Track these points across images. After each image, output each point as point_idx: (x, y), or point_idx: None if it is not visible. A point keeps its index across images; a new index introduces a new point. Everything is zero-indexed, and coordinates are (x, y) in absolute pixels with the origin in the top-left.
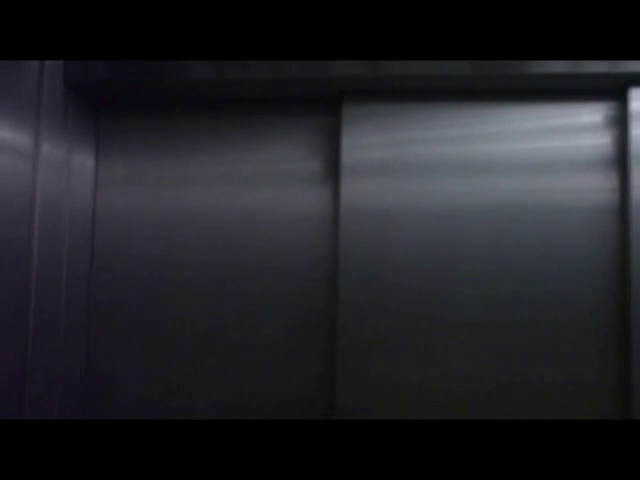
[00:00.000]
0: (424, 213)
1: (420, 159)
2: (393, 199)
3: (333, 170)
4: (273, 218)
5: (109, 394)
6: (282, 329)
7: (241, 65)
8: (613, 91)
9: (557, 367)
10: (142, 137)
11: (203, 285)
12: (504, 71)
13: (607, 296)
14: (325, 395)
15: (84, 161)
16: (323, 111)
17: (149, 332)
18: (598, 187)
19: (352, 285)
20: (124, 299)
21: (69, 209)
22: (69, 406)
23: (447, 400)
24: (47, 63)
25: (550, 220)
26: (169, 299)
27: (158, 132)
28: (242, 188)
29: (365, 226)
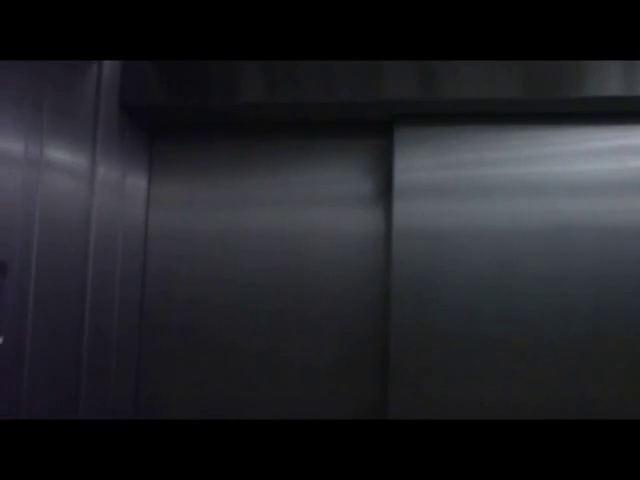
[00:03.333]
0: (476, 234)
1: (471, 181)
2: (445, 220)
3: (386, 192)
4: (326, 240)
5: (160, 414)
6: (334, 350)
7: (294, 89)
8: None
9: (612, 386)
10: (194, 159)
11: (255, 306)
12: (555, 95)
13: None
14: (377, 416)
15: (138, 183)
16: (376, 134)
17: (201, 353)
18: None
19: (404, 306)
20: (176, 320)
21: (123, 230)
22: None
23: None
24: (103, 87)
25: (603, 241)
26: (221, 320)
27: (210, 154)
28: (295, 210)
29: (417, 247)
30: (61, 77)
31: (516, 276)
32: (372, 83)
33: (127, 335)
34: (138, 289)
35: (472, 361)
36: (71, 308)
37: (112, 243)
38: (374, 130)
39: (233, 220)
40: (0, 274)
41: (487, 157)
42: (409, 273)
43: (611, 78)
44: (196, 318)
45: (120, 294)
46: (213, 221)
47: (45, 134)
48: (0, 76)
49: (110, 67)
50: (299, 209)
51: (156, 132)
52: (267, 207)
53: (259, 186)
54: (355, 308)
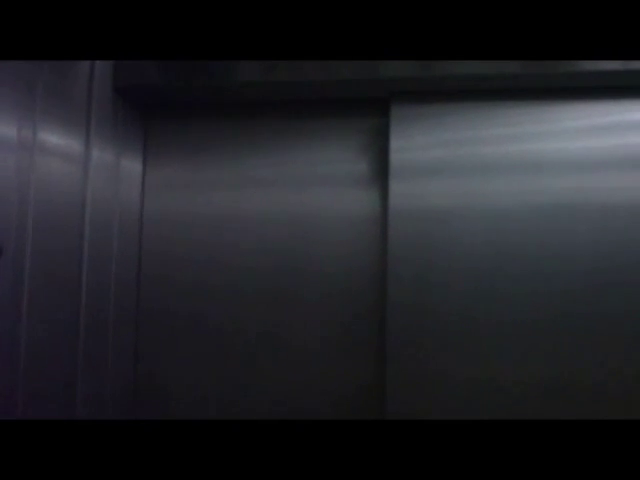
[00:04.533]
0: (473, 214)
1: (469, 159)
2: (442, 200)
3: (382, 171)
4: (321, 220)
5: (159, 397)
6: (331, 331)
7: (289, 67)
8: None
9: (610, 366)
10: (190, 141)
11: (251, 288)
12: (553, 69)
13: None
14: (375, 397)
15: (132, 165)
16: (372, 112)
17: (197, 336)
18: None
19: (401, 286)
20: (172, 302)
21: (118, 213)
22: (119, 409)
23: (498, 401)
24: (96, 69)
25: (603, 219)
26: (217, 302)
27: (206, 136)
28: (290, 190)
29: (414, 227)
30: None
31: (514, 255)
32: (368, 61)
33: (124, 318)
34: (134, 272)
35: (470, 341)
36: (67, 291)
37: (107, 226)
38: (370, 108)
39: (228, 201)
40: None
41: (484, 135)
42: (405, 254)
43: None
44: (193, 301)
45: (116, 277)
46: (209, 203)
47: (38, 117)
48: None
49: None
50: (295, 190)
51: (151, 113)
52: (263, 188)
53: (254, 167)
54: (352, 289)
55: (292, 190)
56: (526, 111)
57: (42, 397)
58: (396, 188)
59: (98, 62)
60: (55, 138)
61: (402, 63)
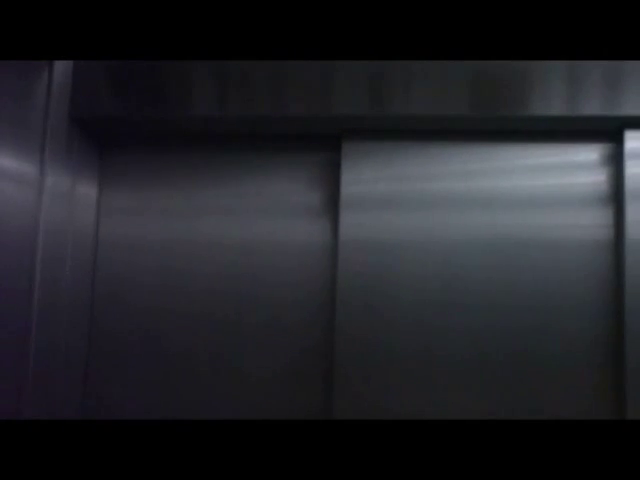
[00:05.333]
0: (421, 246)
1: (417, 194)
2: (391, 232)
3: (333, 204)
4: (274, 250)
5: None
6: (280, 359)
7: (243, 102)
8: (609, 133)
9: (554, 401)
10: (145, 169)
11: (203, 315)
12: (502, 113)
13: (602, 330)
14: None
15: (87, 192)
16: (323, 147)
17: (149, 361)
18: (593, 223)
19: (350, 316)
20: (125, 327)
21: (72, 238)
22: None
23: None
24: (53, 97)
25: (547, 255)
26: (170, 328)
27: (160, 165)
28: (243, 220)
29: (363, 258)
30: (10, 85)
31: (460, 289)
32: (321, 98)
33: (76, 342)
34: (88, 298)
35: (416, 372)
36: (19, 314)
37: (61, 251)
38: (323, 144)
39: (182, 230)
40: None
41: (432, 171)
42: (354, 283)
43: (556, 98)
44: (146, 325)
45: (69, 303)
46: (163, 231)
47: None
48: None
49: (61, 76)
50: (248, 220)
51: (107, 143)
52: (217, 217)
53: (209, 197)
54: (302, 316)
55: (245, 219)
56: (473, 151)
57: None
58: (346, 219)
59: (55, 89)
60: (9, 163)
61: (354, 101)
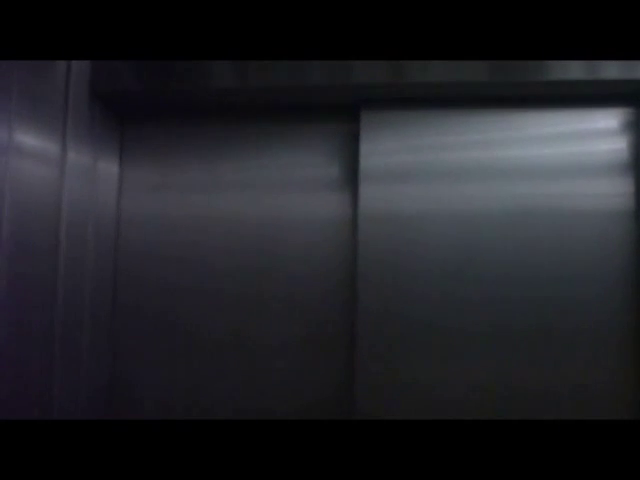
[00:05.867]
0: (441, 218)
1: (437, 165)
2: (410, 204)
3: (352, 176)
4: (293, 223)
5: (132, 396)
6: (300, 333)
7: (262, 73)
8: (629, 97)
9: (570, 373)
10: (165, 144)
11: (224, 290)
12: (520, 78)
13: (621, 301)
14: (343, 400)
15: (109, 168)
16: (342, 118)
17: (172, 336)
18: (613, 192)
19: (370, 289)
20: (147, 304)
21: (94, 215)
22: (94, 408)
23: (462, 405)
24: (73, 73)
25: (566, 225)
26: (191, 303)
27: (181, 139)
28: (263, 194)
29: (383, 231)
30: (30, 62)
31: (482, 260)
32: (339, 67)
33: (99, 318)
34: (110, 273)
35: (436, 344)
36: (43, 292)
37: (84, 228)
38: (341, 114)
39: (203, 204)
40: None
41: (452, 141)
42: (375, 256)
43: (576, 62)
44: (168, 301)
45: (92, 279)
46: (184, 205)
47: (14, 120)
48: None
49: None
50: (267, 193)
51: (127, 117)
52: (236, 191)
53: (229, 170)
54: (322, 291)
55: (264, 193)
56: (493, 119)
57: (18, 399)
58: (366, 192)
59: (75, 66)
60: (31, 140)
61: (373, 70)
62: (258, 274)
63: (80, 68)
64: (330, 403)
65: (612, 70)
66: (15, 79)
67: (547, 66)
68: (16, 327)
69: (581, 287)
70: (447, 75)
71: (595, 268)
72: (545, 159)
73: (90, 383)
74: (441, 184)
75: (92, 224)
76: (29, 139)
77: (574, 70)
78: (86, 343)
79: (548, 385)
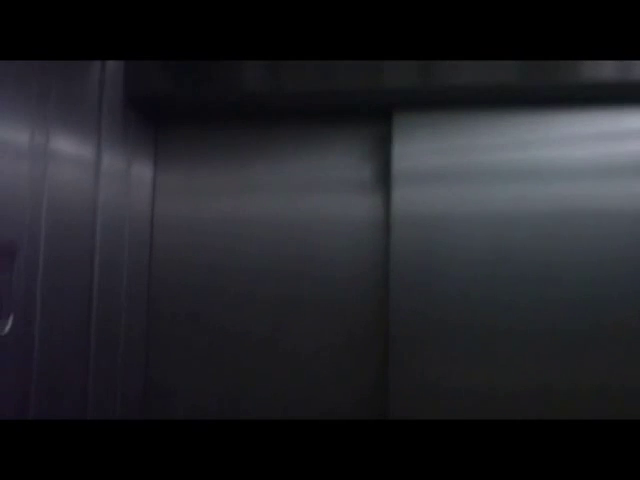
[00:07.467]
0: (474, 220)
1: (470, 167)
2: (443, 206)
3: (384, 178)
4: (325, 226)
5: (167, 399)
6: (333, 337)
7: (295, 76)
8: None
9: (607, 372)
10: (199, 148)
11: (258, 293)
12: (553, 80)
13: None
14: (377, 402)
15: (143, 172)
16: (375, 120)
17: (206, 339)
18: None
19: (402, 291)
20: (182, 307)
21: (129, 219)
22: (130, 409)
23: (496, 407)
24: (107, 77)
25: (601, 226)
26: (225, 307)
27: (215, 143)
28: (296, 197)
29: (415, 233)
30: (66, 67)
31: (515, 262)
32: (371, 70)
33: (135, 324)
34: (145, 278)
35: (470, 347)
36: (79, 296)
37: (119, 232)
38: (373, 117)
39: (237, 207)
40: (11, 259)
41: (485, 143)
42: (407, 259)
43: (608, 63)
44: (202, 305)
45: (127, 282)
46: (218, 209)
47: (50, 124)
48: (5, 66)
49: None
50: (301, 196)
51: (161, 121)
52: (269, 194)
53: (261, 174)
54: (355, 293)
55: (297, 196)
56: (526, 120)
57: (55, 402)
58: (398, 195)
59: (109, 71)
60: (67, 145)
61: (405, 73)
62: (291, 277)
63: (114, 72)
64: (364, 405)
65: None
66: (53, 84)
67: (579, 67)
68: (52, 332)
69: (617, 287)
70: (478, 77)
71: (630, 267)
72: (579, 160)
73: (125, 387)
74: (473, 186)
75: (127, 228)
76: (63, 143)
77: (607, 71)
78: (122, 347)
79: (586, 386)
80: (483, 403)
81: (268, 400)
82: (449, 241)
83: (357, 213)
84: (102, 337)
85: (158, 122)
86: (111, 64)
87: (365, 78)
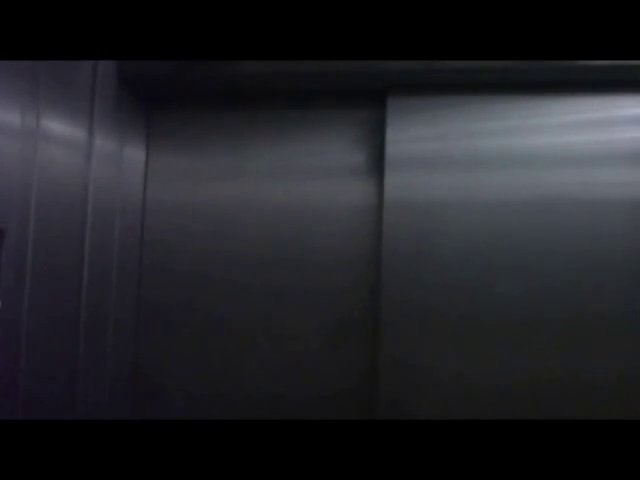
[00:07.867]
0: (467, 206)
1: (463, 152)
2: (436, 192)
3: (378, 163)
4: (318, 211)
5: (157, 388)
6: (326, 321)
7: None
8: None
9: (596, 363)
10: (192, 131)
11: (249, 278)
12: (549, 63)
13: None
14: (368, 390)
15: (135, 154)
16: (368, 104)
17: (197, 325)
18: None
19: (395, 277)
20: (172, 291)
21: (120, 201)
22: (117, 403)
23: (488, 396)
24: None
25: (596, 213)
26: (216, 291)
27: (207, 126)
28: (289, 181)
29: (408, 219)
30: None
31: (508, 248)
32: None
33: (125, 308)
34: (136, 260)
35: (461, 333)
36: (68, 278)
37: (110, 214)
38: (367, 100)
39: (229, 191)
40: None
41: (479, 128)
42: (400, 244)
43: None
44: (193, 290)
45: (118, 264)
46: (210, 192)
47: (42, 105)
48: None
49: None
50: (293, 180)
51: (154, 103)
52: (262, 179)
53: (254, 157)
54: (347, 279)
55: (291, 180)
56: (521, 105)
57: (44, 384)
58: (391, 179)
59: None
60: (58, 126)
61: None
62: (283, 262)
63: None
64: (355, 391)
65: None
66: (43, 65)
67: None
68: (42, 312)
69: (609, 275)
70: (473, 61)
71: (626, 256)
72: (574, 146)
73: (114, 373)
74: (467, 172)
75: (118, 210)
76: (56, 124)
77: None
78: (111, 330)
79: (574, 374)
80: (471, 394)
81: (259, 386)
82: (442, 227)
83: (350, 198)
84: (91, 321)
85: (151, 104)
86: None
87: (359, 61)
